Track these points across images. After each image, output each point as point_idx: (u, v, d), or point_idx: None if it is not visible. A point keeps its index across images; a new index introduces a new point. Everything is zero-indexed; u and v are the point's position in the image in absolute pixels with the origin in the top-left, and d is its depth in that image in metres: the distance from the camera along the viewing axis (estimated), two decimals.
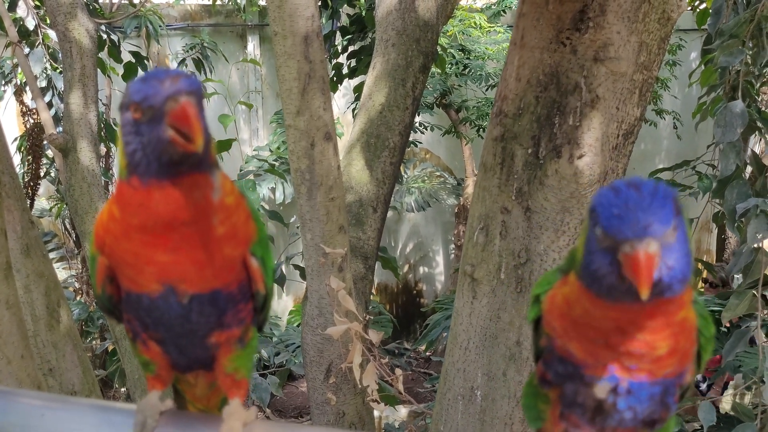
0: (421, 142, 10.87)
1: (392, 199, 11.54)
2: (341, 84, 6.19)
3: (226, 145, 3.28)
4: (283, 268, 3.57)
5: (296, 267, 4.15)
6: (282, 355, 4.89)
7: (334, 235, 2.42)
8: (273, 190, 7.36)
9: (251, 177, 7.08)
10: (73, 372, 2.34)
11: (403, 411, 6.26)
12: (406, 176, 11.18)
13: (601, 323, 0.89)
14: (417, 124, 10.38)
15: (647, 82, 2.11)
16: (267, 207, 3.60)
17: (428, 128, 9.95)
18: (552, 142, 2.06)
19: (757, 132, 2.91)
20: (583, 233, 0.92)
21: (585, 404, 0.95)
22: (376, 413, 2.92)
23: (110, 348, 5.71)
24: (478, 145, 8.05)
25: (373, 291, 7.84)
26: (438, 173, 9.12)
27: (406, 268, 9.24)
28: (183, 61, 7.93)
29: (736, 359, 4.48)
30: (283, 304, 8.42)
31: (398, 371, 2.47)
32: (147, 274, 0.95)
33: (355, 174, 3.03)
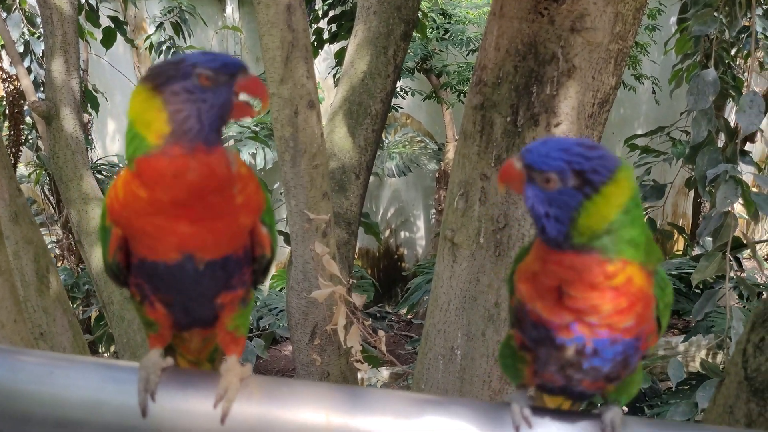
0: (402, 108, 10.86)
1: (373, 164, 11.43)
2: (321, 49, 6.17)
3: None
4: None
5: (280, 233, 4.18)
6: (266, 319, 4.97)
7: (318, 201, 2.47)
8: (254, 155, 7.36)
9: (232, 143, 7.08)
10: (64, 336, 2.40)
11: (385, 372, 6.39)
12: (387, 141, 11.18)
13: (549, 275, 0.97)
14: (398, 89, 10.36)
15: (622, 52, 2.17)
16: None
17: (409, 93, 9.94)
18: (530, 111, 2.12)
19: (731, 99, 2.99)
20: None
21: (557, 363, 1.04)
22: (359, 374, 3.02)
23: (95, 314, 5.75)
24: (458, 110, 8.08)
25: (355, 256, 7.94)
26: (419, 138, 9.14)
27: (387, 232, 9.32)
28: (161, 24, 7.83)
29: (708, 320, 4.63)
30: None
31: (381, 332, 2.56)
32: (167, 244, 1.00)
33: (337, 141, 3.08)
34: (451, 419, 0.96)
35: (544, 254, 0.98)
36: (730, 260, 2.84)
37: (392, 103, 10.93)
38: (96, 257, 3.02)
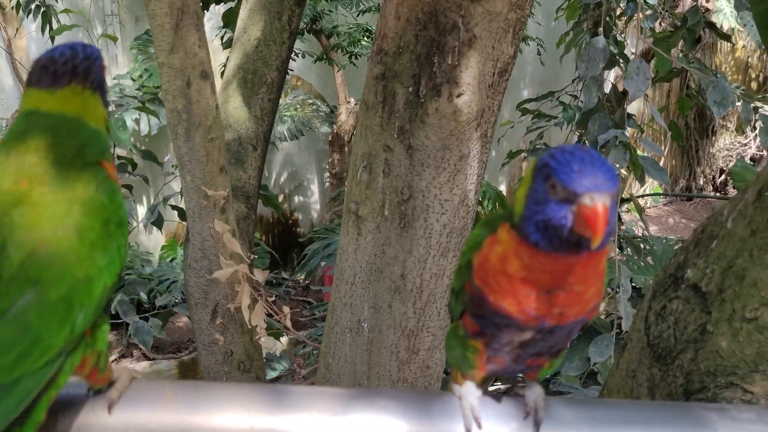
0: (292, 70, 10.61)
1: None
2: (207, 10, 5.92)
3: None
4: (160, 209, 3.46)
5: (174, 207, 4.01)
6: (164, 297, 4.80)
7: (215, 176, 2.37)
8: (137, 121, 7.00)
9: (113, 108, 6.70)
10: None
11: (284, 339, 6.35)
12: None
13: (539, 275, 0.96)
14: None
15: (520, 21, 2.19)
16: (139, 146, 3.44)
17: (299, 55, 9.69)
18: (432, 81, 2.10)
19: (617, 66, 3.10)
20: (524, 189, 0.98)
21: (511, 345, 1.04)
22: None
23: None
24: (350, 71, 8.00)
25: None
26: (310, 101, 9.01)
27: (281, 198, 9.19)
28: None
29: None
30: (154, 240, 8.17)
31: (286, 309, 2.52)
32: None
33: (232, 112, 2.95)
34: (379, 414, 0.94)
35: (534, 259, 0.96)
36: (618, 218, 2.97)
37: None
38: None
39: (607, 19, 2.82)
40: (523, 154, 4.06)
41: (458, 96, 2.09)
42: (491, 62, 2.13)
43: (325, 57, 8.02)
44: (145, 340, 3.51)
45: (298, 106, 9.27)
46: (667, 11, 4.32)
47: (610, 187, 0.91)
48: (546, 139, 3.98)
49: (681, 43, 3.45)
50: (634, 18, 3.02)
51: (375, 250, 2.30)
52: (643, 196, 9.88)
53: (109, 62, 8.09)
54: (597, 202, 0.90)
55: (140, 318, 3.92)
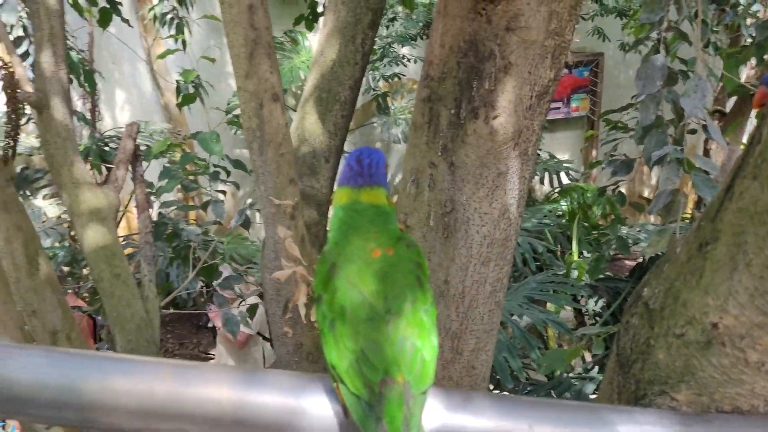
0: (404, 75, 10.90)
1: (380, 131, 11.63)
2: (316, 22, 6.31)
3: (190, 98, 3.47)
4: (248, 212, 3.84)
5: (259, 211, 4.40)
6: (250, 292, 5.23)
7: (285, 187, 2.66)
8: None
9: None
10: (54, 314, 2.63)
11: None
12: (393, 107, 11.26)
13: None
14: (401, 57, 10.44)
15: (560, 47, 2.32)
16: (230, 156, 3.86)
17: (412, 60, 9.98)
18: (471, 104, 2.28)
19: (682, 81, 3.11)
20: None
21: None
22: None
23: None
24: None
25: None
26: None
27: (395, 198, 9.49)
28: None
29: None
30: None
31: None
32: None
33: (308, 127, 3.25)
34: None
35: None
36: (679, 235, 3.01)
37: (397, 71, 10.93)
38: (88, 237, 3.24)
39: (666, 36, 2.86)
40: (601, 166, 4.11)
41: (494, 118, 2.26)
42: (528, 86, 2.28)
43: None
44: (233, 330, 3.89)
45: (413, 109, 9.56)
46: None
47: None
48: (624, 150, 4.01)
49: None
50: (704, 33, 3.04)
51: None
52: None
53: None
54: None
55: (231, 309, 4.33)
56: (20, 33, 5.30)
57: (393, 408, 1.08)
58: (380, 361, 1.13)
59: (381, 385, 1.10)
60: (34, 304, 2.57)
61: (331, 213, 1.48)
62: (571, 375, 5.48)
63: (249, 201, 4.36)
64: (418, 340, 1.15)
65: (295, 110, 3.53)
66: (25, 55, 5.07)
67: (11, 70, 3.79)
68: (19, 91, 3.47)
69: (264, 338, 6.89)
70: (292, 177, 2.69)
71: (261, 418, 1.13)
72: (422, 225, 2.52)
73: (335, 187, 1.43)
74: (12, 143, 5.23)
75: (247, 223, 3.84)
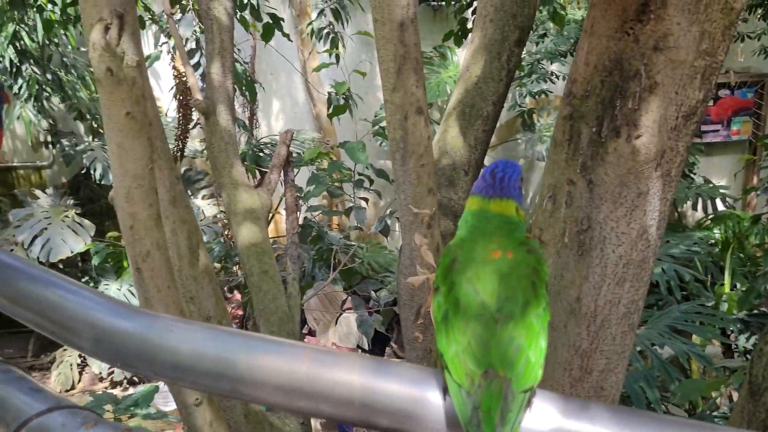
0: (552, 92, 10.79)
1: (524, 147, 11.55)
2: (465, 38, 6.42)
3: (341, 109, 3.67)
4: (388, 220, 3.99)
5: (398, 219, 4.54)
6: (387, 296, 5.39)
7: (424, 196, 2.76)
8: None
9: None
10: (209, 301, 2.89)
11: None
12: (539, 124, 11.20)
13: None
14: (549, 73, 10.36)
15: (710, 67, 2.26)
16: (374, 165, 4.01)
17: (560, 78, 9.87)
18: (613, 123, 2.28)
19: None
20: None
21: None
22: None
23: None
24: None
25: None
26: None
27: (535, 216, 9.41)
28: (322, 11, 8.41)
29: None
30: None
31: None
32: None
33: (450, 140, 3.34)
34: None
35: None
36: None
37: (544, 87, 10.88)
38: (242, 234, 3.51)
39: None
40: (756, 192, 3.89)
41: (636, 137, 2.24)
42: (674, 107, 2.24)
43: None
44: (367, 332, 4.04)
45: (554, 126, 9.46)
46: None
47: None
48: None
49: None
50: None
51: (554, 273, 2.52)
52: None
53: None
54: None
55: (367, 312, 4.49)
56: (192, 46, 5.80)
57: (490, 400, 1.13)
58: (484, 356, 1.18)
59: (482, 377, 1.16)
60: (193, 291, 2.84)
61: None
62: (714, 414, 5.19)
63: (389, 210, 4.54)
64: (525, 341, 1.20)
65: (439, 123, 3.64)
66: (196, 66, 5.54)
67: (184, 79, 4.18)
68: (190, 98, 3.83)
69: (363, 351, 7.07)
70: (431, 187, 2.79)
71: (387, 404, 1.22)
72: (557, 241, 2.53)
73: (469, 195, 1.48)
74: (181, 145, 5.75)
75: (386, 230, 3.98)
